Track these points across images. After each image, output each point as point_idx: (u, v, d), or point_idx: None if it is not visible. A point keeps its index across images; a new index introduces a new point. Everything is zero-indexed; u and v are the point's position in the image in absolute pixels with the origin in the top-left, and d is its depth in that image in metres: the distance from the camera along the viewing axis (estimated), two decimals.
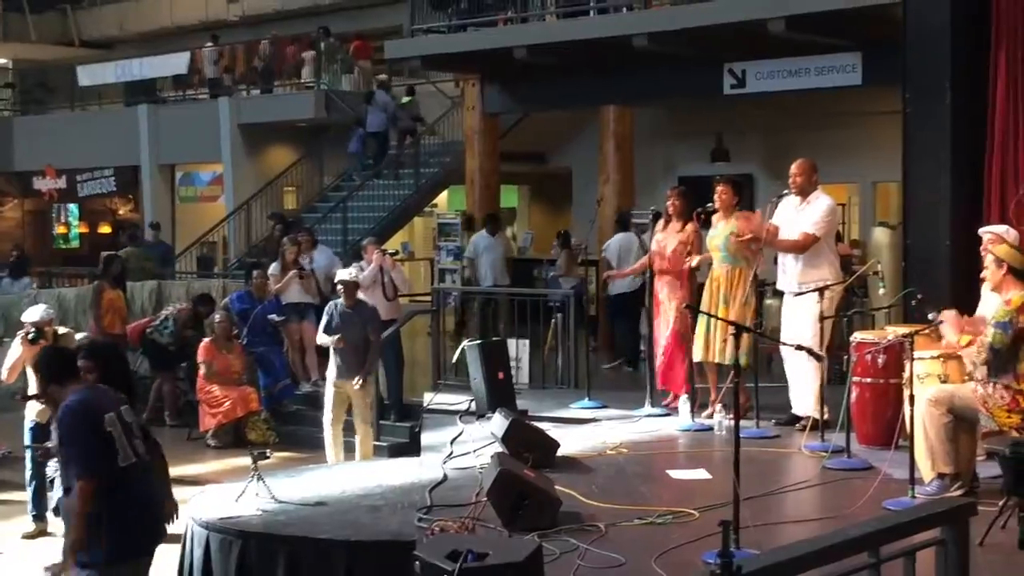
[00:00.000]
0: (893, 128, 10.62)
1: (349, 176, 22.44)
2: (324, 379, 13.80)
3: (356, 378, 11.00)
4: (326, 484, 8.26)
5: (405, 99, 21.70)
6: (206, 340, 13.72)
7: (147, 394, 14.57)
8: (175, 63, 25.29)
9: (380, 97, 21.34)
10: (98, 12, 32.30)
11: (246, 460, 8.07)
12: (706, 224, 10.00)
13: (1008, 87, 9.61)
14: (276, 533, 6.90)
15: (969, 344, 7.05)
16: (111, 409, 5.63)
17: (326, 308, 11.45)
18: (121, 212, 29.46)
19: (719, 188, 9.81)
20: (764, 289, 11.52)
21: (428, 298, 15.86)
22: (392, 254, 13.45)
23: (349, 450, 11.45)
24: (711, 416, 9.63)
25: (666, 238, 10.35)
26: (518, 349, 12.14)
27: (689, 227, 10.14)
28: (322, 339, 11.24)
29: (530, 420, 9.35)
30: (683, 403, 9.94)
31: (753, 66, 14.46)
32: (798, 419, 9.33)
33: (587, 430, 9.78)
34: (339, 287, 11.34)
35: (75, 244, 30.76)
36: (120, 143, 25.21)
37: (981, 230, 8.13)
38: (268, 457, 8.28)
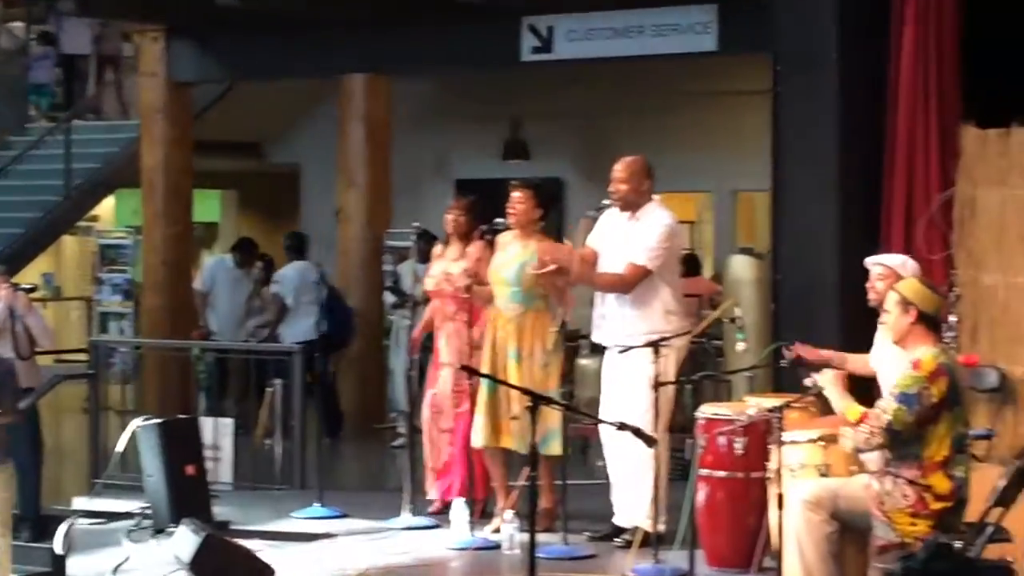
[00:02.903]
0: (761, 115, 10.96)
1: (22, 127, 21.91)
2: None
3: None
4: None
5: None
6: None
7: None
8: None
9: None
10: None
11: None
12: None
13: (918, 60, 9.97)
14: None
15: (861, 420, 7.27)
16: None
17: None
18: None
19: (515, 196, 9.95)
20: (577, 344, 11.73)
21: (84, 356, 15.64)
22: (28, 290, 13.22)
23: None
24: (497, 530, 9.74)
25: (447, 267, 10.45)
26: (217, 432, 12.07)
27: (473, 248, 10.27)
28: None
29: (233, 536, 9.35)
30: (459, 510, 10.02)
31: (564, 21, 14.67)
32: (622, 531, 9.51)
33: (318, 550, 9.84)
34: None
35: None
36: None
37: (868, 261, 8.42)
38: None
